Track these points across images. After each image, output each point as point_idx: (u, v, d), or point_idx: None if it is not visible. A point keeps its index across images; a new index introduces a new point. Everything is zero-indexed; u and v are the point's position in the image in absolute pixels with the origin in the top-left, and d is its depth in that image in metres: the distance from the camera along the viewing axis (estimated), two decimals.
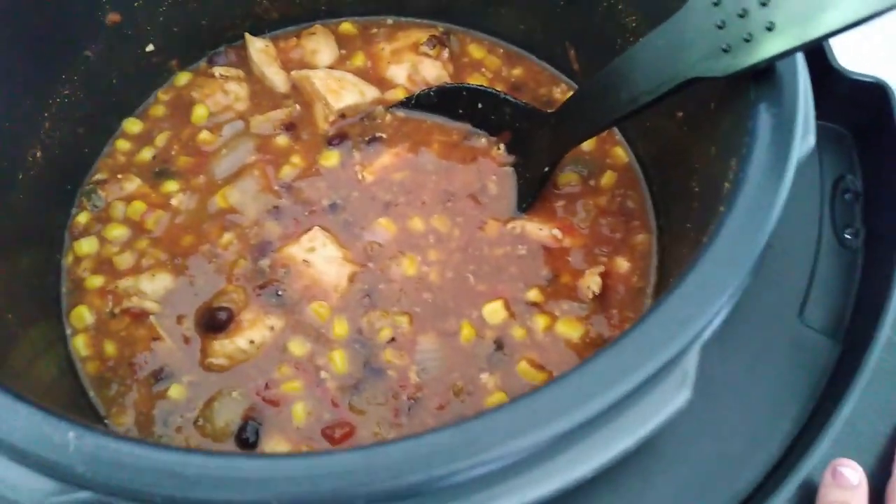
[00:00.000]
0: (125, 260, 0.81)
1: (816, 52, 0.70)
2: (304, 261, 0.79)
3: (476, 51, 0.96)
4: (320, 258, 0.79)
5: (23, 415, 0.45)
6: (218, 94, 0.92)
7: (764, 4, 0.53)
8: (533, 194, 0.83)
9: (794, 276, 0.66)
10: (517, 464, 0.43)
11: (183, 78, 0.94)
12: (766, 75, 0.57)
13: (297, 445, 0.71)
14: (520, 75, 0.94)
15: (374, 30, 0.98)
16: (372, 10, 0.98)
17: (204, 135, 0.89)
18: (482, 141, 0.88)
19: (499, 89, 0.88)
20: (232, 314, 0.77)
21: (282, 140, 0.88)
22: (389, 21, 0.99)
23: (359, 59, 0.95)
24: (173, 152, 0.88)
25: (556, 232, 0.81)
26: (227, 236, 0.82)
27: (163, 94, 0.93)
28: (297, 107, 0.91)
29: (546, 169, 0.80)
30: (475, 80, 0.93)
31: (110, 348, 0.76)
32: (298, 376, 0.74)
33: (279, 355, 0.75)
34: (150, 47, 0.90)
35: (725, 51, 0.56)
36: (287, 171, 0.86)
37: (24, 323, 0.71)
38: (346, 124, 0.90)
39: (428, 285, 0.78)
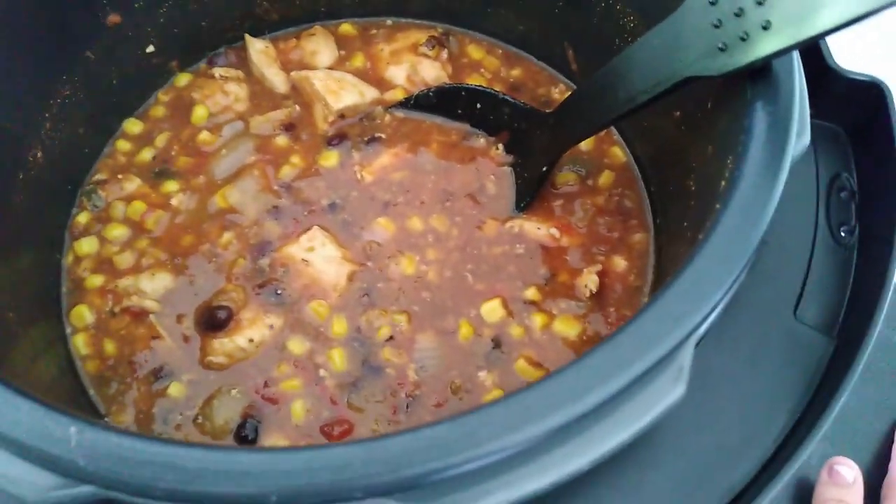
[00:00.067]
0: (125, 259, 0.82)
1: (812, 51, 0.71)
2: (304, 260, 0.79)
3: (475, 51, 0.97)
4: (319, 257, 0.80)
5: (25, 410, 0.46)
6: (218, 94, 0.92)
7: (760, 3, 0.53)
8: (531, 194, 0.83)
9: (789, 272, 0.66)
10: (514, 457, 0.43)
11: (183, 79, 0.94)
12: (762, 74, 0.58)
13: (296, 443, 0.71)
14: (518, 76, 0.95)
15: (374, 31, 0.99)
16: (371, 12, 0.99)
17: (204, 135, 0.89)
18: (481, 141, 0.88)
19: (497, 89, 0.88)
20: (231, 313, 0.77)
21: (281, 140, 0.89)
22: (388, 22, 1.00)
23: (358, 60, 0.95)
24: (173, 153, 0.89)
25: (554, 231, 0.81)
26: (227, 236, 0.82)
27: (163, 95, 0.94)
28: (297, 107, 0.92)
29: (544, 168, 0.81)
30: (474, 81, 0.93)
31: (110, 347, 0.77)
32: (297, 374, 0.74)
33: (278, 354, 0.75)
34: (150, 48, 0.91)
35: (722, 50, 0.56)
36: (286, 172, 0.86)
37: (25, 322, 0.72)
38: (346, 125, 0.90)
39: (426, 284, 0.79)
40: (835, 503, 0.71)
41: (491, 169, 0.86)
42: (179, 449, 0.43)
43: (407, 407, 0.73)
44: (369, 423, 0.72)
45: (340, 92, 0.90)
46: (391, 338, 0.76)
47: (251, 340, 0.75)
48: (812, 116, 0.59)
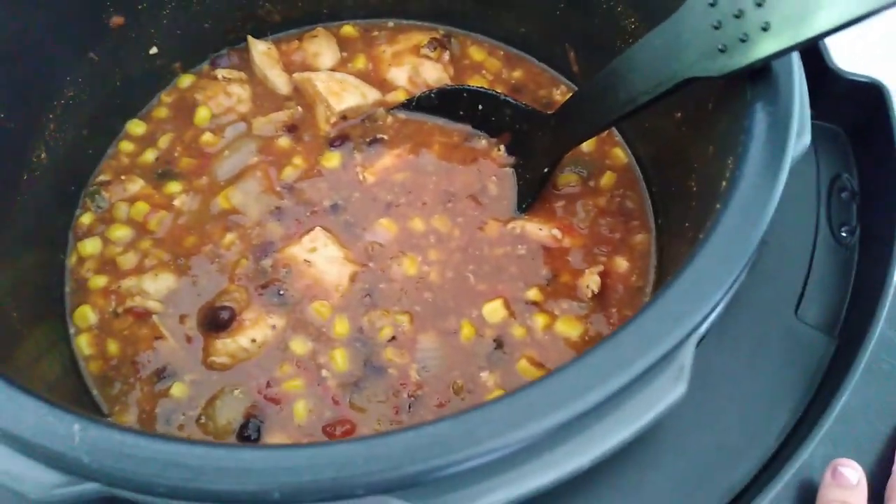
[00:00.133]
0: (128, 260, 0.82)
1: (812, 53, 0.71)
2: (306, 261, 0.80)
3: (476, 53, 0.97)
4: (322, 258, 0.80)
5: (29, 407, 0.46)
6: (220, 96, 0.93)
7: (759, 5, 0.54)
8: (533, 195, 0.83)
9: (790, 272, 0.66)
10: (516, 455, 0.44)
11: (186, 80, 0.95)
12: (762, 75, 0.58)
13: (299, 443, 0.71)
14: (520, 77, 0.95)
15: (376, 32, 0.99)
16: (373, 13, 0.99)
17: (207, 136, 0.90)
18: (482, 142, 0.89)
19: (499, 91, 0.89)
20: (234, 313, 0.77)
21: (284, 141, 0.89)
22: (390, 24, 1.00)
23: (360, 62, 0.96)
24: (176, 154, 0.89)
25: (556, 232, 0.81)
26: (230, 237, 0.82)
27: (166, 97, 0.94)
28: (299, 108, 0.92)
29: (546, 170, 0.81)
30: (475, 82, 0.94)
31: (113, 347, 0.77)
32: (300, 374, 0.75)
33: (281, 354, 0.76)
34: (153, 50, 0.91)
35: (722, 51, 0.57)
36: (289, 173, 0.86)
37: (29, 322, 0.72)
38: (348, 126, 0.90)
39: (428, 285, 0.79)
40: None
41: (493, 170, 0.86)
42: (182, 446, 0.44)
43: (409, 407, 0.73)
44: (371, 423, 0.72)
45: (342, 93, 0.90)
46: (393, 338, 0.76)
47: (254, 341, 0.76)
48: (812, 117, 0.59)
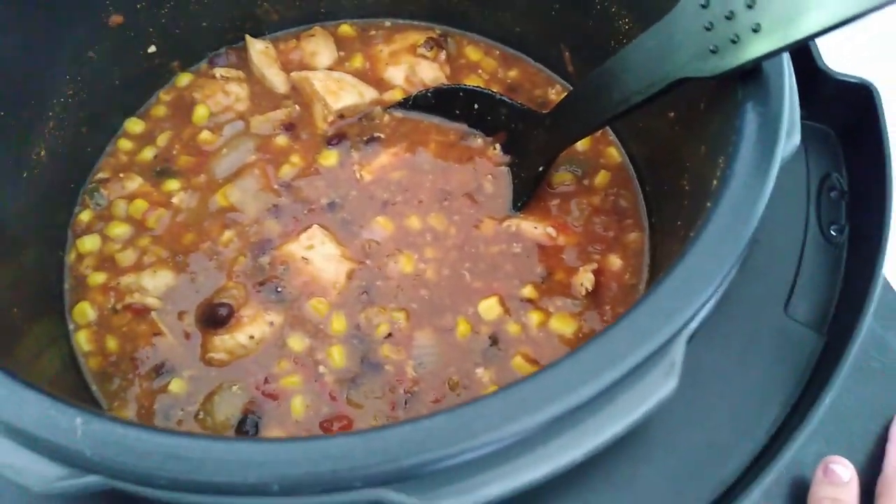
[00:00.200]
0: (127, 257, 0.83)
1: (803, 54, 0.72)
2: (304, 258, 0.80)
3: (473, 53, 0.98)
4: (319, 256, 0.81)
5: (32, 401, 0.47)
6: (219, 94, 0.93)
7: (750, 7, 0.54)
8: (528, 193, 0.84)
9: (780, 270, 0.67)
10: (510, 448, 0.44)
11: (184, 79, 0.95)
12: (753, 75, 0.59)
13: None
14: (515, 77, 0.96)
15: (373, 32, 1.00)
16: (370, 13, 1.00)
17: (205, 134, 0.90)
18: (478, 141, 0.89)
19: (495, 90, 0.89)
20: (232, 310, 0.78)
21: (281, 140, 0.90)
22: (387, 23, 1.01)
23: (357, 61, 0.96)
24: (175, 152, 0.90)
25: (551, 230, 0.82)
26: (228, 234, 0.83)
27: (164, 95, 0.95)
28: (297, 107, 0.93)
29: (541, 168, 0.82)
30: (472, 82, 0.94)
31: (112, 344, 0.78)
32: (297, 371, 0.75)
33: (278, 350, 0.76)
34: (152, 48, 0.91)
35: (713, 52, 0.57)
36: (286, 171, 0.87)
37: (29, 318, 0.73)
38: (345, 124, 0.91)
39: (425, 282, 0.80)
40: (830, 501, 0.72)
41: (488, 169, 0.87)
42: (183, 439, 0.44)
43: (405, 403, 0.74)
44: (368, 419, 0.73)
45: (340, 92, 0.91)
46: (390, 335, 0.77)
47: (252, 337, 0.76)
48: (803, 118, 0.60)
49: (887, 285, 0.85)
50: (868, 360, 0.80)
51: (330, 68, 0.96)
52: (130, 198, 0.86)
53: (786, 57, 0.59)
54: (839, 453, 0.74)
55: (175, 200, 0.86)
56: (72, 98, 0.84)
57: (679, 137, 0.72)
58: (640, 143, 0.85)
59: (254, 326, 0.77)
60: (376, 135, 0.90)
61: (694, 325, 0.49)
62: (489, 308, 0.78)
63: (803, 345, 0.63)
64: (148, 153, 0.90)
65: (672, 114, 0.73)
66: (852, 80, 0.72)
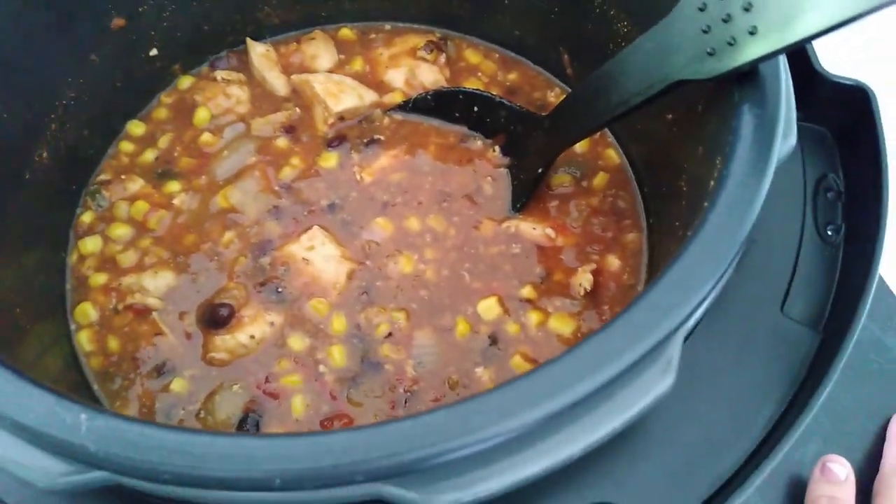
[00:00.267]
0: (128, 258, 0.83)
1: (799, 56, 0.72)
2: (304, 259, 0.81)
3: (472, 56, 0.98)
4: (319, 256, 0.81)
5: (37, 398, 0.47)
6: (220, 97, 0.94)
7: (747, 10, 0.55)
8: (527, 195, 0.84)
9: (777, 269, 0.68)
10: (509, 443, 0.45)
11: (185, 81, 0.96)
12: (749, 77, 0.59)
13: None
14: (515, 79, 0.97)
15: (373, 35, 1.00)
16: (371, 17, 1.00)
17: (206, 137, 0.91)
18: (478, 143, 0.90)
19: (494, 93, 0.90)
20: (233, 310, 0.78)
21: (282, 142, 0.90)
22: (388, 27, 1.01)
23: (357, 64, 0.97)
24: (176, 154, 0.90)
25: (550, 231, 0.83)
26: (229, 235, 0.83)
27: (166, 98, 0.95)
28: (297, 110, 0.93)
29: (540, 170, 0.82)
30: (471, 84, 0.95)
31: (114, 344, 0.78)
32: (298, 370, 0.76)
33: (279, 350, 0.77)
34: (153, 51, 0.92)
35: (710, 54, 0.58)
36: (287, 172, 0.88)
37: (31, 318, 0.73)
38: (345, 127, 0.92)
39: (424, 283, 0.80)
40: (827, 500, 0.72)
41: (488, 170, 0.88)
42: (186, 435, 0.45)
43: (405, 402, 0.74)
44: (368, 418, 0.73)
45: (340, 95, 0.91)
46: (390, 335, 0.77)
47: (252, 337, 0.77)
48: (799, 119, 0.61)
49: (885, 288, 0.85)
50: (866, 362, 0.81)
51: (330, 71, 0.97)
52: (132, 199, 0.87)
53: (782, 59, 0.60)
54: (837, 452, 0.75)
55: (176, 202, 0.86)
56: (74, 100, 0.84)
57: (677, 139, 0.72)
58: (639, 145, 0.86)
59: (254, 326, 0.78)
60: (376, 137, 0.90)
61: (691, 322, 0.49)
62: (488, 308, 0.78)
63: (799, 343, 0.64)
64: (149, 155, 0.90)
65: (670, 115, 0.73)
66: (848, 82, 0.72)
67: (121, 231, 0.85)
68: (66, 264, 0.84)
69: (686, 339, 0.50)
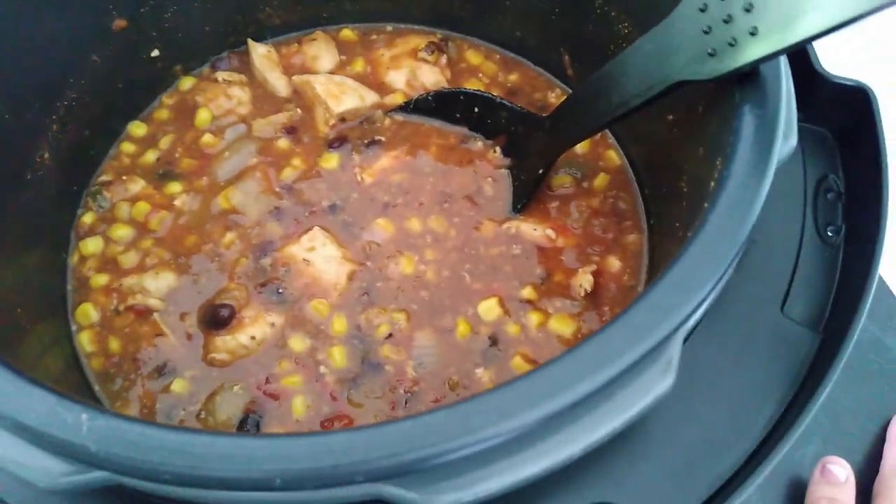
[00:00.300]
0: (130, 259, 0.83)
1: (800, 57, 0.72)
2: (305, 260, 0.81)
3: (473, 57, 0.98)
4: (320, 257, 0.81)
5: (38, 398, 0.47)
6: (221, 98, 0.94)
7: (748, 10, 0.55)
8: (527, 196, 0.85)
9: (777, 270, 0.68)
10: (509, 443, 0.45)
11: (187, 82, 0.96)
12: (750, 78, 0.59)
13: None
14: (515, 80, 0.97)
15: (374, 36, 1.01)
16: (372, 18, 1.01)
17: (207, 138, 0.91)
18: (478, 144, 0.90)
19: (495, 94, 0.90)
20: (234, 311, 0.78)
21: (283, 143, 0.90)
22: (389, 28, 1.01)
23: (359, 65, 0.97)
24: (177, 155, 0.91)
25: (550, 232, 0.83)
26: (230, 236, 0.84)
27: (167, 99, 0.95)
28: (298, 111, 0.93)
29: (540, 171, 0.82)
30: (472, 85, 0.95)
31: (115, 344, 0.78)
32: (298, 371, 0.76)
33: (279, 351, 0.77)
34: (155, 53, 0.92)
35: (711, 55, 0.58)
36: (288, 173, 0.88)
37: (32, 319, 0.73)
38: (346, 128, 0.92)
39: (425, 283, 0.80)
40: (827, 501, 0.72)
41: (488, 171, 0.88)
42: (187, 435, 0.45)
43: (406, 403, 0.74)
44: (368, 419, 0.73)
45: (341, 96, 0.92)
46: (390, 335, 0.77)
47: (253, 338, 0.77)
48: (800, 120, 0.61)
49: (886, 289, 0.85)
50: (866, 362, 0.81)
51: (331, 72, 0.97)
52: (133, 200, 0.87)
53: (783, 60, 0.60)
54: (837, 454, 0.75)
55: (177, 203, 0.86)
56: (75, 101, 0.84)
57: (677, 140, 0.72)
58: (639, 146, 0.86)
59: (255, 327, 0.78)
60: (377, 138, 0.91)
61: (691, 323, 0.49)
62: (489, 309, 0.78)
63: (799, 343, 0.64)
64: (150, 156, 0.90)
65: (671, 116, 0.73)
66: (849, 82, 0.72)
67: (122, 232, 0.85)
68: (67, 265, 0.84)
69: (686, 339, 0.50)
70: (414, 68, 0.96)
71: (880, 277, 0.77)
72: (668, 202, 0.74)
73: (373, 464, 0.44)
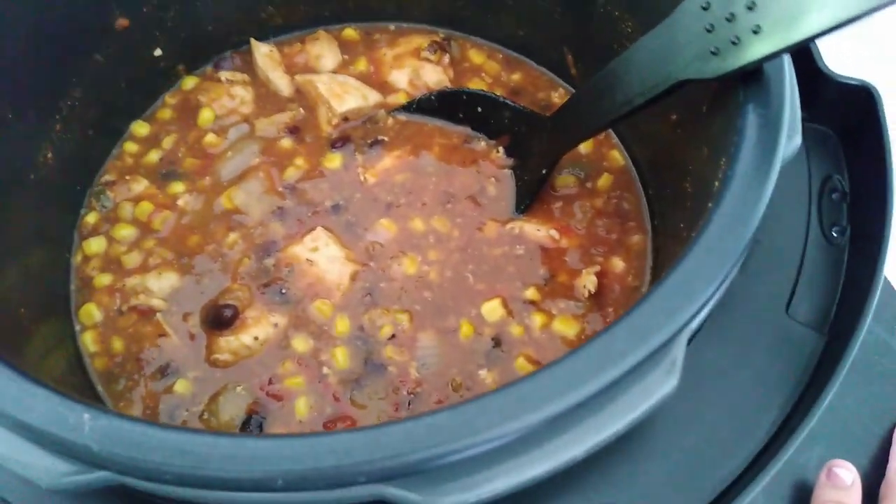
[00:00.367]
0: (133, 259, 0.83)
1: (804, 56, 0.72)
2: (308, 260, 0.81)
3: (476, 56, 0.98)
4: (323, 257, 0.81)
5: (40, 398, 0.47)
6: (224, 97, 0.94)
7: (750, 8, 0.55)
8: (531, 196, 0.84)
9: (782, 271, 0.68)
10: (512, 445, 0.45)
11: (190, 82, 0.96)
12: (754, 77, 0.59)
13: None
14: (518, 80, 0.97)
15: (377, 35, 1.00)
16: (374, 17, 1.01)
17: (210, 137, 0.91)
18: (481, 144, 0.90)
19: (498, 94, 0.90)
20: (237, 311, 0.78)
21: (286, 143, 0.90)
22: (391, 27, 1.01)
23: (361, 64, 0.97)
24: (180, 154, 0.90)
25: (554, 233, 0.83)
26: (233, 236, 0.83)
27: (170, 98, 0.95)
28: (301, 110, 0.93)
29: (544, 171, 0.82)
30: (475, 85, 0.95)
31: (118, 345, 0.78)
32: (301, 372, 0.76)
33: (282, 351, 0.77)
34: (157, 52, 0.92)
35: (714, 53, 0.58)
36: (291, 173, 0.88)
37: (36, 319, 0.73)
38: (349, 127, 0.92)
39: (428, 284, 0.80)
40: None
41: (492, 171, 0.88)
42: (189, 435, 0.45)
43: (409, 404, 0.74)
44: (371, 420, 0.73)
45: (344, 95, 0.92)
46: (393, 336, 0.77)
47: (256, 338, 0.77)
48: (804, 119, 0.61)
49: (892, 290, 0.85)
50: (872, 364, 0.81)
51: (334, 72, 0.97)
52: (136, 200, 0.87)
53: (787, 59, 0.60)
54: (843, 457, 0.74)
55: (180, 203, 0.86)
56: (78, 101, 0.84)
57: (681, 140, 0.72)
58: (643, 146, 0.86)
59: (258, 328, 0.77)
60: (380, 138, 0.90)
61: (695, 324, 0.49)
62: (492, 310, 0.78)
63: (804, 345, 0.63)
64: (153, 156, 0.90)
65: (674, 116, 0.73)
66: (853, 82, 0.72)
67: (125, 232, 0.85)
68: (70, 265, 0.84)
69: (690, 340, 0.50)
70: (417, 68, 0.96)
71: (886, 279, 0.77)
72: (673, 202, 0.74)
73: (375, 464, 0.43)
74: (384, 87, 0.95)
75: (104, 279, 0.82)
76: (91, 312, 0.80)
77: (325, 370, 0.76)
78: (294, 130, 0.91)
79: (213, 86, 0.95)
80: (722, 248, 0.51)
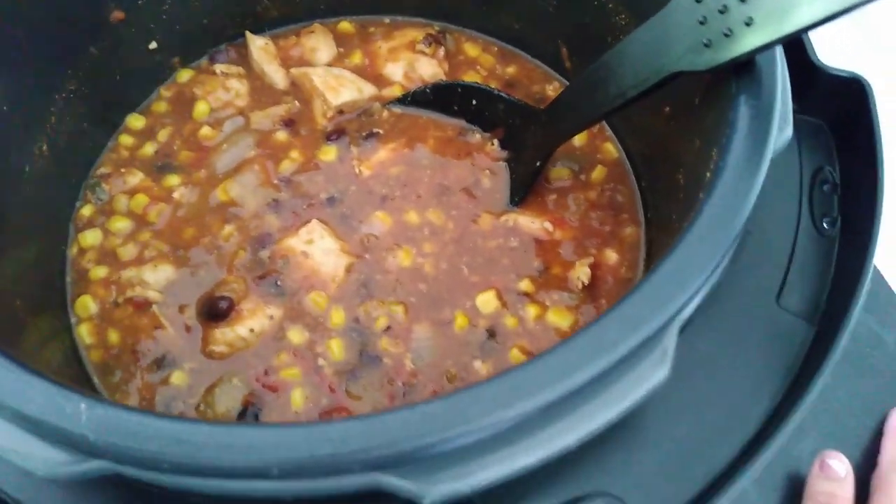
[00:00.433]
0: (128, 251, 0.83)
1: (796, 48, 0.73)
2: (303, 252, 0.81)
3: (471, 49, 0.99)
4: (318, 250, 0.81)
5: (37, 387, 0.47)
6: (219, 90, 0.94)
7: (743, 0, 0.55)
8: (525, 188, 0.85)
9: (773, 262, 0.68)
10: (506, 433, 0.45)
11: (185, 75, 0.96)
12: (746, 69, 0.59)
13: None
14: (513, 73, 0.97)
15: (372, 28, 1.01)
16: (370, 10, 1.01)
17: (205, 130, 0.91)
18: (476, 137, 0.90)
19: (493, 86, 0.90)
20: (232, 303, 0.79)
21: (281, 135, 0.90)
22: (387, 20, 1.01)
23: (357, 57, 0.97)
24: (175, 147, 0.91)
25: (548, 225, 0.83)
26: (228, 228, 0.84)
27: (165, 91, 0.95)
28: (297, 103, 0.93)
29: (538, 164, 0.83)
30: (470, 78, 0.95)
31: (114, 336, 0.78)
32: (297, 363, 0.76)
33: (278, 343, 0.77)
34: (153, 45, 0.92)
35: (707, 45, 0.58)
36: (286, 166, 0.88)
37: (32, 311, 0.73)
38: (344, 120, 0.92)
39: (423, 276, 0.81)
40: (826, 496, 0.72)
41: (486, 164, 0.88)
42: (185, 424, 0.45)
43: (404, 395, 0.74)
44: (367, 411, 0.74)
45: (339, 88, 0.92)
46: (388, 328, 0.77)
47: (252, 330, 0.77)
48: (796, 111, 0.61)
49: (883, 282, 0.85)
50: (864, 357, 0.81)
51: (329, 64, 0.97)
52: (131, 192, 0.87)
53: (779, 51, 0.60)
54: (834, 448, 0.75)
55: (176, 195, 0.86)
56: (73, 93, 0.84)
57: (674, 132, 0.72)
58: (637, 139, 0.86)
59: (254, 319, 0.78)
60: (375, 130, 0.91)
61: (686, 313, 0.50)
62: (486, 301, 0.78)
63: (794, 335, 0.64)
64: (149, 148, 0.90)
65: (667, 108, 0.73)
66: (844, 74, 0.72)
67: (121, 224, 0.85)
68: (66, 257, 0.84)
69: (682, 330, 0.51)
70: (412, 61, 0.96)
71: (877, 271, 0.77)
72: (665, 194, 0.74)
73: (370, 453, 0.44)
74: (379, 80, 0.95)
75: (100, 271, 0.82)
76: (87, 304, 0.80)
77: (321, 362, 0.76)
78: (289, 123, 0.91)
79: (208, 78, 0.95)
80: (712, 238, 0.51)
